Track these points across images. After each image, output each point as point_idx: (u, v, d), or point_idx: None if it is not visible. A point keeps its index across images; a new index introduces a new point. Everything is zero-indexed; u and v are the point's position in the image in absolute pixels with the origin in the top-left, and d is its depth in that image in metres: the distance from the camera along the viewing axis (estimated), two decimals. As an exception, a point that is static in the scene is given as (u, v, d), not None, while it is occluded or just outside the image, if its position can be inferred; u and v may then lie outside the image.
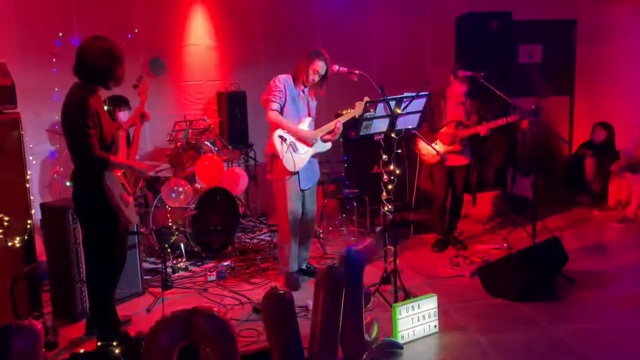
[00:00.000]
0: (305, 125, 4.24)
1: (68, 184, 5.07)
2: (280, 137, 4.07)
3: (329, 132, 4.25)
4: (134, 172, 3.33)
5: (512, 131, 6.45)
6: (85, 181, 3.13)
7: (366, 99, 4.17)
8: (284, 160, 4.04)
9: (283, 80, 4.12)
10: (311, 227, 4.49)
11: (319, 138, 4.25)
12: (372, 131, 3.82)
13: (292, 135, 4.13)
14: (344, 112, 6.01)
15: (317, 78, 4.16)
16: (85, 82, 3.09)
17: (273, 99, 4.07)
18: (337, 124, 4.20)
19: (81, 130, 2.97)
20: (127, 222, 3.25)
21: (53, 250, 3.83)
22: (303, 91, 4.24)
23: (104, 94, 3.32)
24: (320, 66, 4.11)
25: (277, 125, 4.08)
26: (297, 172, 4.16)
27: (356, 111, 4.10)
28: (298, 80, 4.17)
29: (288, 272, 4.31)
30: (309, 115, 4.30)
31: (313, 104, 4.34)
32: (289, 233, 4.22)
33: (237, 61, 6.59)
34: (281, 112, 4.12)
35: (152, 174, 5.27)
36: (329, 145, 4.34)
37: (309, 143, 4.20)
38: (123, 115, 4.85)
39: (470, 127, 4.84)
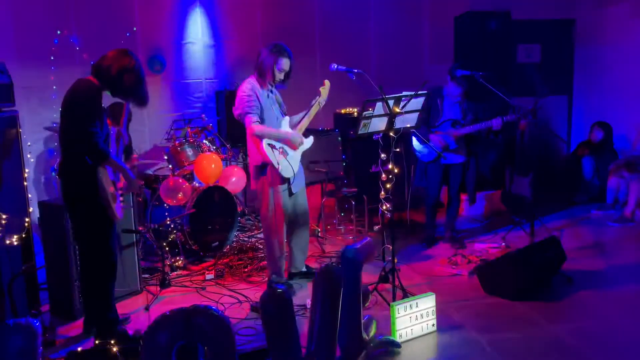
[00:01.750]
0: (285, 126, 4.06)
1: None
2: (270, 145, 3.86)
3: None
4: (126, 177, 3.34)
5: (511, 130, 6.45)
6: (79, 171, 3.14)
7: (326, 81, 4.11)
8: (280, 169, 3.86)
9: (251, 86, 3.86)
10: (306, 225, 4.38)
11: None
12: (370, 130, 3.82)
13: (280, 140, 3.96)
14: (342, 111, 6.05)
15: (282, 76, 3.94)
16: (97, 80, 3.15)
17: (250, 110, 3.80)
18: (306, 115, 4.10)
19: (89, 120, 3.04)
20: (114, 217, 3.26)
21: (51, 248, 3.82)
22: (271, 91, 4.03)
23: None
24: (285, 64, 3.89)
25: (263, 137, 3.84)
26: (289, 178, 3.99)
27: (322, 97, 4.08)
28: (264, 82, 3.91)
29: (280, 282, 4.12)
30: (284, 114, 4.11)
31: (280, 99, 4.16)
32: (282, 241, 4.10)
33: (236, 60, 6.58)
34: (261, 121, 3.89)
35: (149, 172, 5.27)
36: (311, 139, 4.19)
37: (295, 145, 4.03)
38: None
39: (466, 126, 4.86)
